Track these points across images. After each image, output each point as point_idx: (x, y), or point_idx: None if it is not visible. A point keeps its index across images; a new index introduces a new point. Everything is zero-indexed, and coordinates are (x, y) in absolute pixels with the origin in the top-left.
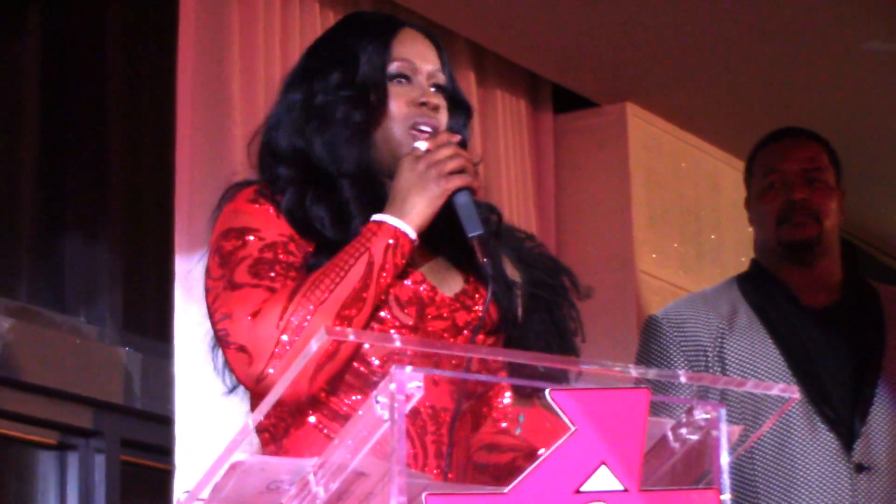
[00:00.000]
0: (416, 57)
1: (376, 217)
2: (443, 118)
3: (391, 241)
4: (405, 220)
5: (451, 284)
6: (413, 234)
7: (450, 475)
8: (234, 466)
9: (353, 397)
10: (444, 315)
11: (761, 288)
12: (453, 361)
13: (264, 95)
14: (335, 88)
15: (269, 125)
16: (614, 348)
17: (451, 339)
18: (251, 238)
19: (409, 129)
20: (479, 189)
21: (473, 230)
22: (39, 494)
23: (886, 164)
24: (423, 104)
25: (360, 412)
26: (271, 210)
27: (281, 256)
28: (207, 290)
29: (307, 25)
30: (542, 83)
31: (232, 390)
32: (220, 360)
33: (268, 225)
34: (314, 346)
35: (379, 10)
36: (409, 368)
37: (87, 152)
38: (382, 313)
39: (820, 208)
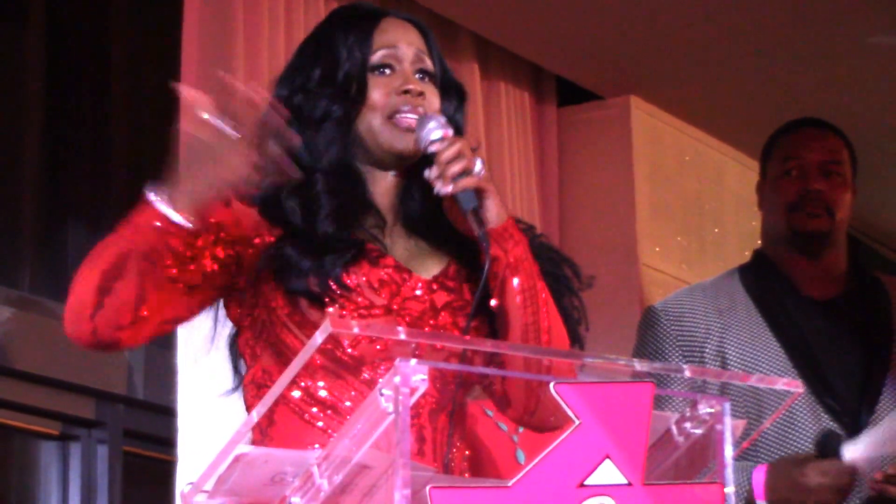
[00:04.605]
0: (399, 42)
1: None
2: (431, 104)
3: (157, 224)
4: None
5: (430, 268)
6: (181, 220)
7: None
8: (237, 458)
9: (325, 381)
10: (422, 297)
11: (762, 279)
12: (437, 347)
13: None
14: (316, 85)
15: None
16: (617, 342)
17: (432, 322)
18: None
19: (390, 119)
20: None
21: (468, 204)
22: (42, 485)
23: (890, 159)
24: (406, 92)
25: (364, 404)
26: (228, 201)
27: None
28: None
29: (311, 19)
30: (545, 76)
31: (234, 390)
32: (231, 358)
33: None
34: (318, 338)
35: (373, 4)
36: (413, 361)
37: (89, 142)
38: (354, 296)
39: (833, 202)
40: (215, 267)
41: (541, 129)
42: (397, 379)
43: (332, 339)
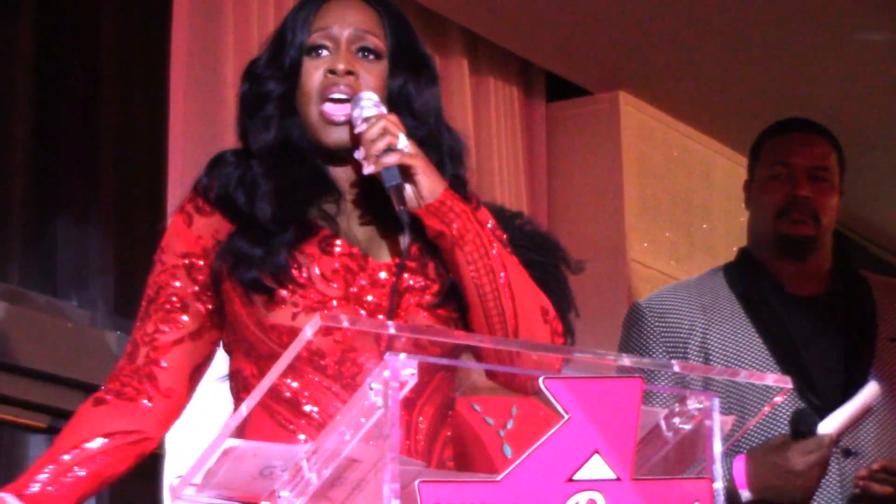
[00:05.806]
0: (336, 22)
1: None
2: (365, 82)
3: None
4: None
5: (391, 249)
6: None
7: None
8: (226, 452)
9: (289, 379)
10: (380, 281)
11: (746, 276)
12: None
13: None
14: (264, 68)
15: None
16: (605, 337)
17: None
18: (158, 265)
19: (321, 102)
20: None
21: (391, 181)
22: None
23: (877, 156)
24: (332, 72)
25: (353, 398)
26: (189, 219)
27: (161, 298)
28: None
29: None
30: (535, 71)
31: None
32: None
33: (172, 243)
34: (309, 332)
35: None
36: (403, 356)
37: (79, 136)
38: (306, 291)
39: (820, 207)
40: (204, 298)
41: (529, 125)
42: (387, 373)
43: (291, 334)
